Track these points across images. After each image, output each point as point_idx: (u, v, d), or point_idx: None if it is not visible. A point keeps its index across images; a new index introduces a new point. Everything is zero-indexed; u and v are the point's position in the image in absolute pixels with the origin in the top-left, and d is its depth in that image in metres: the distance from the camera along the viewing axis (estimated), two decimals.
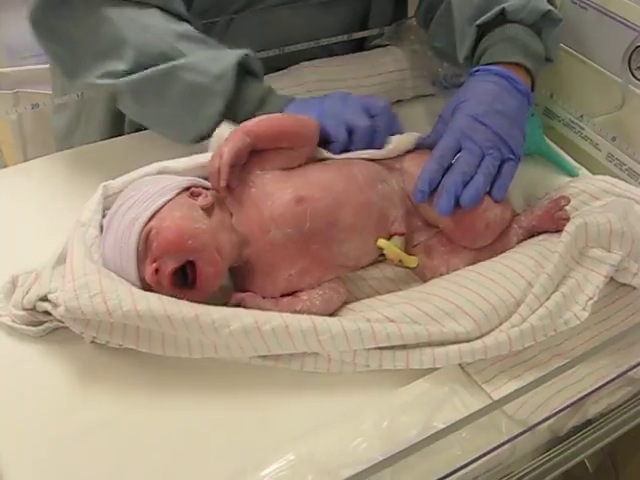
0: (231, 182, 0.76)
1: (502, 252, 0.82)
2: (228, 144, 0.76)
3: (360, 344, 0.71)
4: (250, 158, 0.78)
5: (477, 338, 0.73)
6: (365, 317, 0.73)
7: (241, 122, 0.79)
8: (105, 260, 0.74)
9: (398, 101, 1.13)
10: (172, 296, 0.71)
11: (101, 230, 0.77)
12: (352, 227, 0.78)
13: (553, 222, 0.82)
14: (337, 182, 0.79)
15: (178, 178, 0.78)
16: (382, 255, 0.82)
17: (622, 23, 0.94)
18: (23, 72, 1.46)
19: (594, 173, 0.99)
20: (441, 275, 0.81)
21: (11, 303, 0.75)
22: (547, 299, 0.75)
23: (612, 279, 0.79)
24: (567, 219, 0.81)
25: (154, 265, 0.70)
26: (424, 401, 0.71)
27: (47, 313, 0.73)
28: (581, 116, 1.01)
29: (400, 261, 0.81)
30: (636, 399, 0.76)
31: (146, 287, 0.72)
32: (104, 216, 0.78)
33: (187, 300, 0.72)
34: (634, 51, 0.94)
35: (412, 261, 0.82)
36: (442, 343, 0.73)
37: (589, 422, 0.75)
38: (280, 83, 1.02)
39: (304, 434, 0.67)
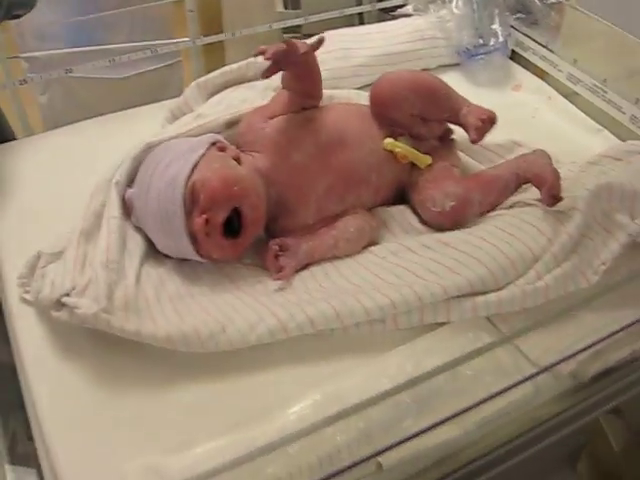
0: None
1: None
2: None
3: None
4: (258, 111, 0.86)
5: (492, 291, 0.74)
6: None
7: None
8: (146, 220, 0.77)
9: (424, 69, 1.14)
10: (218, 248, 0.75)
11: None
12: (361, 131, 0.85)
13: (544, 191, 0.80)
14: (338, 105, 0.91)
15: (197, 138, 0.82)
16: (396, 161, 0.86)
17: None
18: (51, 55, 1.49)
19: (618, 136, 1.00)
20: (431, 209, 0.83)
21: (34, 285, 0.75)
22: (564, 259, 0.76)
23: None
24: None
25: (204, 216, 0.73)
26: (448, 346, 0.72)
27: None
28: (604, 80, 1.01)
29: (411, 163, 0.86)
30: None
31: (193, 240, 0.75)
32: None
33: (231, 252, 0.76)
34: None
35: (425, 159, 0.86)
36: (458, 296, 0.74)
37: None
38: None
39: (330, 375, 0.69)
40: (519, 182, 0.84)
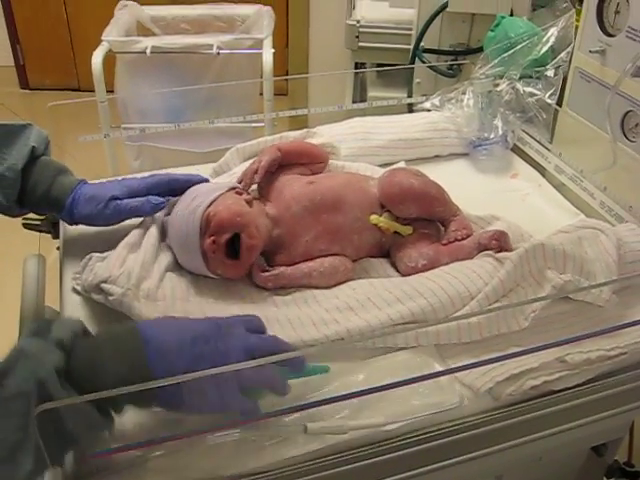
0: (261, 181, 1.05)
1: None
2: (265, 156, 1.05)
3: None
4: (277, 169, 1.07)
5: (434, 323, 0.90)
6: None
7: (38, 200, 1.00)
8: (173, 240, 1.00)
9: (436, 156, 1.35)
10: (222, 265, 0.96)
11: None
12: (352, 201, 1.03)
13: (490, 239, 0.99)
14: (339, 176, 1.11)
15: (224, 183, 1.07)
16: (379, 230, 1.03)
17: (617, 93, 1.12)
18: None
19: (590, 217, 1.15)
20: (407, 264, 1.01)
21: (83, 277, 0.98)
22: (497, 301, 0.92)
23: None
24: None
25: (212, 237, 0.95)
26: (399, 367, 0.88)
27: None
28: (581, 171, 1.18)
29: (395, 232, 1.03)
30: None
31: (204, 258, 0.96)
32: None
33: (233, 270, 0.97)
34: (625, 116, 1.12)
35: (406, 229, 1.03)
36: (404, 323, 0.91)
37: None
38: (333, 131, 1.28)
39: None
40: (480, 249, 1.01)
